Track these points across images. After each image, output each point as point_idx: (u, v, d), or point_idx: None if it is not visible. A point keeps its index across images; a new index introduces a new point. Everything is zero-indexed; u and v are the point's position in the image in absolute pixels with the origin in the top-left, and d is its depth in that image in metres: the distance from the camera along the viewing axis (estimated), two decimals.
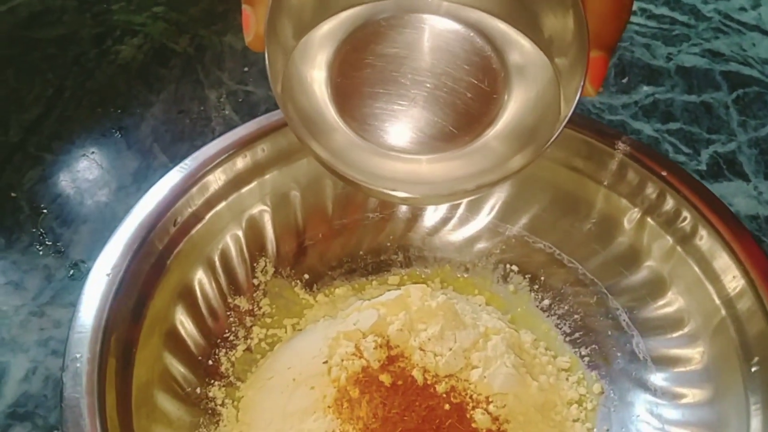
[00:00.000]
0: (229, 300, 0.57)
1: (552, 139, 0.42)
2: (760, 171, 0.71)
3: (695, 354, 0.52)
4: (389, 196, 0.44)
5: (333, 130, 0.45)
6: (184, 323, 0.53)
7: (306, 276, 0.60)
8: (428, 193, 0.45)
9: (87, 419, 0.43)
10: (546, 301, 0.60)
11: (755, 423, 0.47)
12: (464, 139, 0.44)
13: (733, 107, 0.76)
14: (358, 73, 0.42)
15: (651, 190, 0.55)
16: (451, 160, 0.45)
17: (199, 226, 0.55)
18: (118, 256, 0.50)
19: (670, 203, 0.55)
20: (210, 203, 0.56)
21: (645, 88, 0.78)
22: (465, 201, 0.62)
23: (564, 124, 0.43)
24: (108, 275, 0.49)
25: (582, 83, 0.39)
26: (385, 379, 0.52)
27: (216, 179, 0.56)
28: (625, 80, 0.78)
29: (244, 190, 0.57)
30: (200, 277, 0.55)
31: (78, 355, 0.46)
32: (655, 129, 0.74)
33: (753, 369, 0.48)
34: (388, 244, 0.63)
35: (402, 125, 0.44)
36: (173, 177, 0.54)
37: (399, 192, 0.46)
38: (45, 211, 0.66)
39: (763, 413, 0.47)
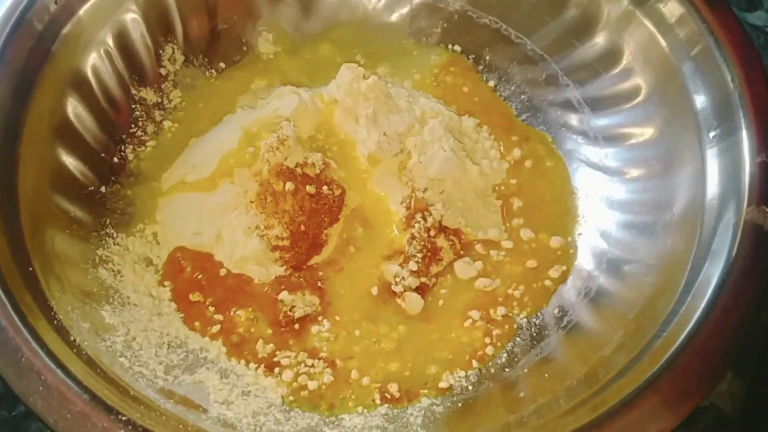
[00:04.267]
0: (133, 91, 0.50)
1: None
2: None
3: (649, 127, 0.47)
4: None
5: None
6: (81, 116, 0.47)
7: (222, 65, 0.54)
8: None
9: None
10: (491, 83, 0.54)
11: (710, 195, 0.43)
12: None
13: None
14: None
15: None
16: None
17: (87, 5, 0.47)
18: None
19: None
20: None
21: None
22: None
23: None
24: None
25: None
26: (310, 170, 0.47)
27: None
28: None
29: None
30: (95, 64, 0.48)
31: None
32: None
33: (711, 135, 0.44)
34: None
35: None
36: None
37: None
38: None
39: (720, 188, 0.43)
